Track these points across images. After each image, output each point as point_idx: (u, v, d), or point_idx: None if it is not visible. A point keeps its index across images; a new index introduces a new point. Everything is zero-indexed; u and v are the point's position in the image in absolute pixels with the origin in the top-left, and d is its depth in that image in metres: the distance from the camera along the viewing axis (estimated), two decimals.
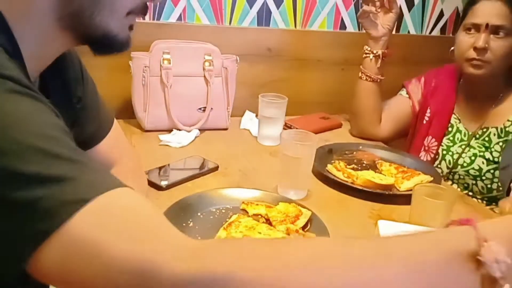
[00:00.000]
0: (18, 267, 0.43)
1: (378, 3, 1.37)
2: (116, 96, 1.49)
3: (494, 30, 1.24)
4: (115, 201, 0.46)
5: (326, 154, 1.29)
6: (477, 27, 1.26)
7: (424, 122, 1.44)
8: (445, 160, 1.37)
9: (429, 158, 1.40)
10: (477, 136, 1.34)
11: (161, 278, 0.41)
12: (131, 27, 0.66)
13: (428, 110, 1.44)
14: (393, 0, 1.38)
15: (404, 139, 1.54)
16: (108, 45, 0.65)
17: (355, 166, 1.25)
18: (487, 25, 1.24)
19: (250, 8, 1.60)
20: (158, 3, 0.64)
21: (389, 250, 0.45)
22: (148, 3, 0.66)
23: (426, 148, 1.42)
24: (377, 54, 1.42)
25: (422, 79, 1.50)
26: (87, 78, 0.85)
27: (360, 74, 1.46)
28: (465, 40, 1.28)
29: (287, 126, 1.48)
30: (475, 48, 1.25)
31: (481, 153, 1.31)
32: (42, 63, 0.66)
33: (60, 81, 0.76)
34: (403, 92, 1.52)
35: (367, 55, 1.44)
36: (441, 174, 1.33)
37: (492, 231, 0.46)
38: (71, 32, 0.62)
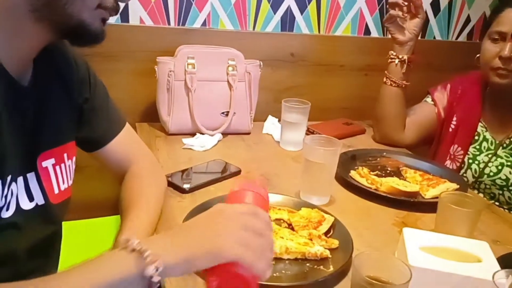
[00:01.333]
0: None
1: (405, 8, 1.36)
2: (141, 100, 1.51)
3: None
4: None
5: (349, 160, 1.28)
6: (502, 36, 1.23)
7: (450, 130, 1.42)
8: (471, 169, 1.34)
9: (454, 167, 1.37)
10: (505, 145, 1.31)
11: None
12: (103, 20, 0.71)
13: (454, 118, 1.42)
14: (420, 5, 1.36)
15: (427, 147, 1.52)
16: (82, 35, 0.70)
17: (379, 173, 1.23)
18: None
19: (274, 13, 1.60)
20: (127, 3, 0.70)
21: None
22: (119, 1, 0.72)
23: (452, 156, 1.39)
24: (402, 59, 1.40)
25: (448, 86, 1.47)
26: (94, 81, 0.91)
27: (384, 79, 1.44)
28: (490, 49, 1.26)
29: (309, 132, 1.47)
30: (500, 57, 1.22)
31: (509, 163, 1.28)
32: (21, 55, 0.70)
33: (59, 80, 0.81)
34: (428, 99, 1.49)
35: (393, 60, 1.42)
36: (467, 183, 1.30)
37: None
38: (46, 23, 0.67)
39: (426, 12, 1.78)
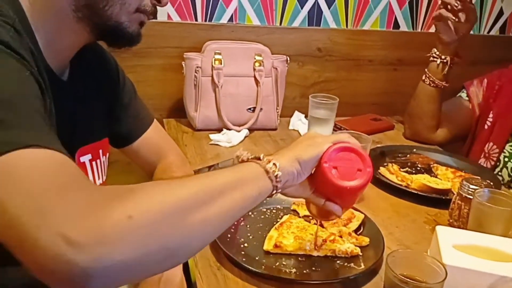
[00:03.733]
0: None
1: (457, 12, 1.27)
2: (169, 96, 1.53)
3: None
4: (17, 162, 0.46)
5: (378, 156, 1.26)
6: None
7: (486, 127, 1.37)
8: (506, 167, 1.30)
9: (489, 165, 1.33)
10: None
11: (36, 256, 0.43)
12: (141, 24, 0.74)
13: (491, 115, 1.36)
14: (473, 10, 1.28)
15: (460, 144, 1.48)
16: (119, 36, 0.72)
17: (409, 170, 1.21)
18: None
19: (301, 8, 1.58)
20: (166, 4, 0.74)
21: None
22: (157, 6, 0.75)
23: (487, 154, 1.35)
24: (445, 60, 1.34)
25: (485, 81, 1.42)
26: (123, 79, 0.94)
27: (423, 77, 1.39)
28: None
29: (337, 127, 1.46)
30: None
31: None
32: (63, 52, 0.73)
33: (93, 77, 0.84)
34: (463, 94, 1.45)
35: (435, 59, 1.36)
36: (501, 182, 1.26)
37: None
38: (86, 23, 0.70)
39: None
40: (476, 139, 1.40)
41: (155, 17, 0.76)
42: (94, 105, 0.84)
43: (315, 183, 0.70)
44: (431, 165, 1.24)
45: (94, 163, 0.84)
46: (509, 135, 1.32)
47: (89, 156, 0.82)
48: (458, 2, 1.25)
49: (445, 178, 1.16)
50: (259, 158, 0.63)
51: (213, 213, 0.53)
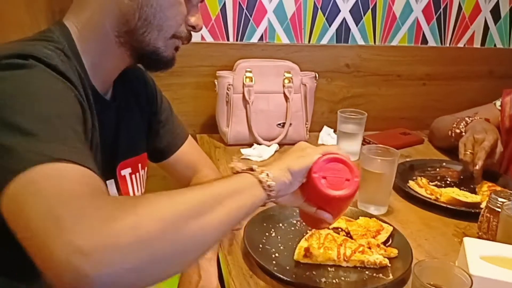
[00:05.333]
0: None
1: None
2: (202, 113, 1.59)
3: None
4: (44, 174, 0.50)
5: (407, 170, 1.27)
6: None
7: None
8: None
9: None
10: None
11: (50, 264, 0.46)
12: (176, 49, 0.80)
13: None
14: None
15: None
16: (155, 60, 0.78)
17: (438, 183, 1.22)
18: None
19: (329, 26, 1.63)
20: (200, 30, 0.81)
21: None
22: (192, 32, 0.80)
23: None
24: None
25: None
26: (161, 97, 1.00)
27: (450, 133, 1.35)
28: None
29: (366, 142, 1.48)
30: None
31: None
32: (106, 74, 0.80)
33: (133, 96, 0.91)
34: (498, 102, 1.41)
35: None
36: None
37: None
38: (127, 48, 0.76)
39: (486, 20, 1.74)
40: None
41: (189, 42, 0.82)
42: (134, 122, 0.90)
43: (306, 192, 0.74)
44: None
45: (133, 176, 0.89)
46: None
47: (129, 170, 0.88)
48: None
49: (479, 191, 1.16)
50: (252, 169, 0.67)
51: (211, 222, 0.56)
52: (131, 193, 0.88)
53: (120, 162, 0.86)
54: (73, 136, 0.57)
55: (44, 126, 0.54)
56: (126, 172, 0.87)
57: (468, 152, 1.22)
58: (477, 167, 1.19)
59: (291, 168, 0.70)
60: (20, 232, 0.49)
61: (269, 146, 1.44)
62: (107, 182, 0.82)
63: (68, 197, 0.49)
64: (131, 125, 0.88)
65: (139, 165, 0.92)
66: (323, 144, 1.52)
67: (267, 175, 0.66)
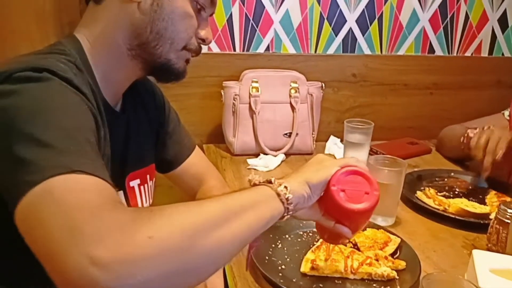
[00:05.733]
0: None
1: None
2: (208, 123, 1.59)
3: None
4: (61, 185, 0.50)
5: (415, 180, 1.26)
6: None
7: None
8: None
9: None
10: None
11: (64, 272, 0.46)
12: (187, 61, 0.81)
13: None
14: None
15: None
16: (167, 72, 0.79)
17: (447, 194, 1.21)
18: None
19: (336, 36, 1.63)
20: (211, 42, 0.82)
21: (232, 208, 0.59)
22: (202, 44, 0.81)
23: None
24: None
25: None
26: (169, 108, 1.01)
27: (462, 139, 1.32)
28: None
29: (373, 152, 1.47)
30: None
31: None
32: (117, 86, 0.80)
33: (142, 107, 0.91)
34: (506, 112, 1.40)
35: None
36: None
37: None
38: (139, 60, 0.77)
39: (493, 29, 1.74)
40: None
41: (199, 55, 0.82)
42: (143, 133, 0.91)
43: (325, 206, 0.73)
44: (488, 190, 1.22)
45: (142, 187, 0.90)
46: None
47: (137, 181, 0.88)
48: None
49: (489, 202, 1.15)
50: (270, 182, 0.66)
51: (228, 234, 0.55)
52: (139, 204, 0.88)
53: (129, 173, 0.86)
54: (90, 148, 0.57)
55: (62, 138, 0.55)
56: (135, 183, 0.88)
57: (483, 140, 1.19)
58: (498, 155, 1.16)
59: (310, 181, 0.69)
60: (36, 243, 0.49)
61: (275, 156, 1.43)
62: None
63: (87, 208, 0.49)
64: (140, 136, 0.89)
65: (148, 176, 0.92)
66: (330, 154, 1.52)
67: (285, 187, 0.65)
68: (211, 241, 0.53)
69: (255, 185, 0.67)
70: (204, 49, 1.53)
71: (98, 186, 0.53)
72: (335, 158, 0.76)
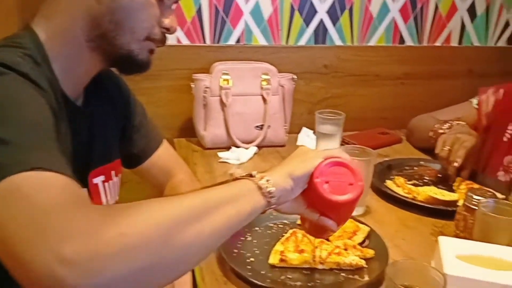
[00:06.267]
0: None
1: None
2: (179, 116, 1.57)
3: None
4: (23, 183, 0.49)
5: (385, 170, 1.27)
6: None
7: (505, 139, 1.32)
8: None
9: (508, 178, 1.30)
10: None
11: (30, 273, 0.44)
12: (151, 51, 0.78)
13: (510, 127, 1.32)
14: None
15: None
16: (130, 64, 0.76)
17: (416, 182, 1.22)
18: None
19: (307, 27, 1.62)
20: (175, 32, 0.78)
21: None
22: (166, 34, 0.78)
23: (506, 167, 1.30)
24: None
25: (501, 91, 1.37)
26: (134, 102, 0.98)
27: (432, 134, 1.35)
28: None
29: (344, 142, 1.47)
30: None
31: None
32: (78, 79, 0.77)
33: (106, 101, 0.88)
34: (474, 100, 1.41)
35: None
36: None
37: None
38: (99, 52, 0.74)
39: (462, 18, 1.75)
40: (494, 151, 1.37)
41: (164, 44, 0.80)
42: (108, 128, 0.88)
43: (308, 199, 0.71)
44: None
45: (106, 184, 0.87)
46: None
47: (102, 178, 0.86)
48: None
49: (458, 190, 1.16)
50: (251, 175, 0.64)
51: (205, 230, 0.54)
52: (103, 202, 0.86)
53: (92, 170, 0.83)
54: (51, 144, 0.55)
55: (23, 135, 0.53)
56: (98, 180, 0.85)
57: (446, 148, 1.22)
58: (456, 164, 1.19)
59: (293, 173, 0.67)
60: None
61: (247, 149, 1.42)
62: None
63: (52, 206, 0.47)
64: (104, 131, 0.86)
65: (113, 172, 0.89)
66: (303, 146, 1.51)
67: (267, 181, 0.63)
68: (188, 236, 0.52)
69: (236, 179, 0.65)
70: (173, 41, 1.52)
71: (62, 183, 0.51)
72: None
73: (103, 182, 0.86)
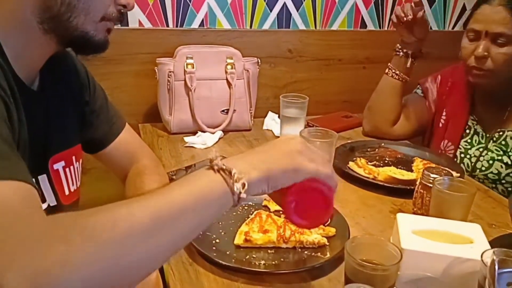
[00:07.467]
0: None
1: (410, 13, 1.31)
2: (143, 101, 1.55)
3: (493, 37, 1.19)
4: None
5: (347, 152, 1.30)
6: (477, 34, 1.22)
7: (440, 125, 1.40)
8: (463, 163, 1.33)
9: None
10: (494, 139, 1.29)
11: None
12: (108, 31, 0.76)
13: (444, 113, 1.40)
14: (423, 21, 1.33)
15: (418, 140, 1.51)
16: (86, 45, 0.74)
17: (377, 163, 1.26)
18: (486, 32, 1.19)
19: (270, 11, 1.63)
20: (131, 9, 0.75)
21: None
22: (123, 11, 0.76)
23: (443, 151, 1.38)
24: (408, 53, 1.39)
25: (439, 78, 1.45)
26: (94, 85, 0.95)
27: (387, 70, 1.44)
28: (466, 47, 1.25)
29: (309, 125, 1.50)
30: (475, 56, 1.21)
31: (499, 157, 1.27)
32: (32, 63, 0.75)
33: (63, 85, 0.86)
34: (419, 91, 1.49)
35: (398, 53, 1.41)
36: None
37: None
38: (53, 34, 0.72)
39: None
40: (433, 137, 1.44)
41: (122, 22, 0.78)
42: (65, 113, 0.86)
43: (278, 199, 0.69)
44: (413, 158, 1.28)
45: (67, 169, 0.86)
46: (463, 131, 1.35)
47: (62, 163, 0.84)
48: (409, 16, 1.29)
49: (417, 170, 1.21)
50: (230, 172, 0.58)
51: (168, 238, 0.52)
52: (65, 187, 0.85)
53: (52, 155, 0.82)
54: (3, 145, 0.53)
55: None
56: (59, 165, 0.84)
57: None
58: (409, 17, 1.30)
59: (273, 182, 0.61)
60: None
61: (213, 133, 1.43)
62: (39, 177, 0.78)
63: None
64: (62, 116, 0.85)
65: (73, 157, 0.88)
66: (267, 130, 1.53)
67: (243, 185, 0.58)
68: (149, 246, 0.50)
69: (212, 168, 0.59)
70: (135, 24, 1.50)
71: (10, 192, 0.49)
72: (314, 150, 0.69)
73: (64, 168, 0.85)
